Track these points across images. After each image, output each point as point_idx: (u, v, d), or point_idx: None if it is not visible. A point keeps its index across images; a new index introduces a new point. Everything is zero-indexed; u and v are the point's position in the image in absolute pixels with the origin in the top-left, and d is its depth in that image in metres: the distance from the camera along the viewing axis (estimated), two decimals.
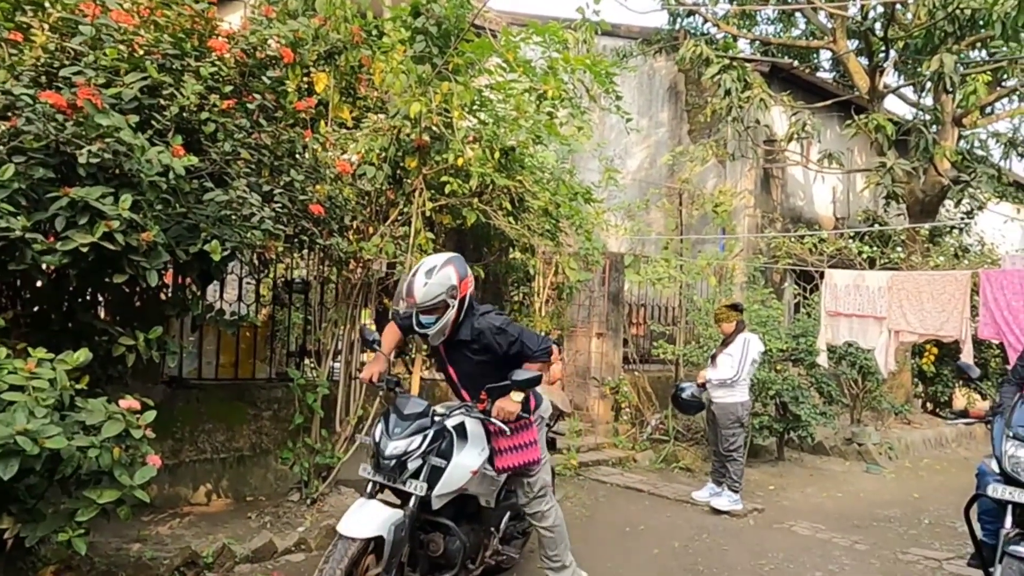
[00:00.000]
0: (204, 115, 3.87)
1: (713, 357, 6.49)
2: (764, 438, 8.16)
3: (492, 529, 4.03)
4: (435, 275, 3.49)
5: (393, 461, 3.30)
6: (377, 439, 3.40)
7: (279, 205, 4.04)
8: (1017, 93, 10.45)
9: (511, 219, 5.42)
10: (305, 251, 5.66)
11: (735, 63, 9.37)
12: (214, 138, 4.00)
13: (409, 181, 5.32)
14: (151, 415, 3.15)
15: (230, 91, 4.02)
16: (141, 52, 3.92)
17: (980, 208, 11.34)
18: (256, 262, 4.96)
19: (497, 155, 5.08)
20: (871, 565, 5.12)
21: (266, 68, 4.58)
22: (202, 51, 4.21)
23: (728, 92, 8.95)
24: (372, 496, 3.40)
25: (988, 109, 11.30)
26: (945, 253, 10.39)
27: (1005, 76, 10.54)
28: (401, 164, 5.21)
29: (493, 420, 3.60)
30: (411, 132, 5.04)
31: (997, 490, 3.49)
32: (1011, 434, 3.53)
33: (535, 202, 5.40)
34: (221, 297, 5.82)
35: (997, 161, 11.26)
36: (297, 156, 4.47)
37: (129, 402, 3.13)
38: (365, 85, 5.58)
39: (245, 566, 4.35)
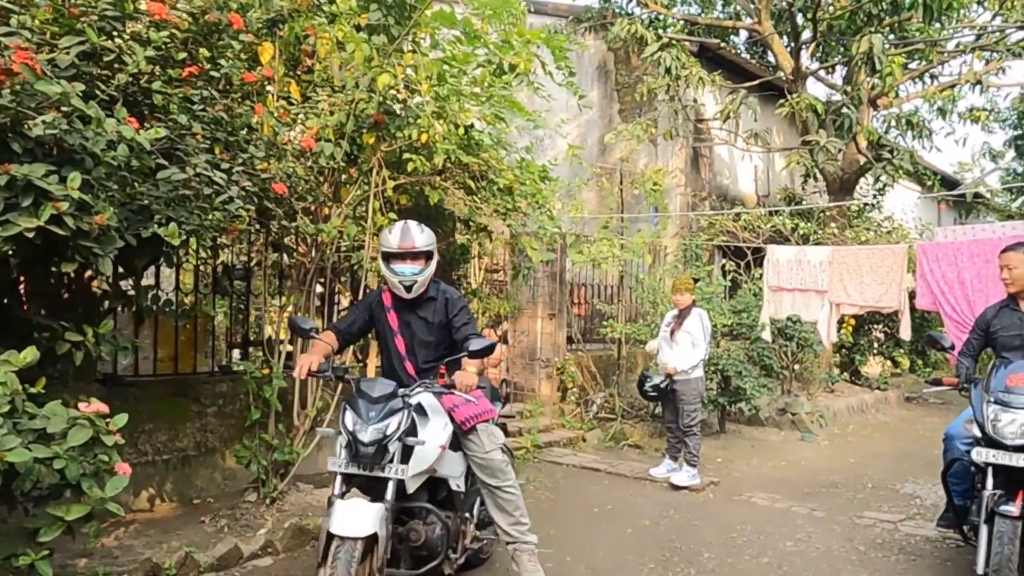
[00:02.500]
0: (157, 84, 3.49)
1: (672, 333, 6.49)
2: (709, 412, 8.31)
3: (467, 515, 3.92)
4: (424, 228, 3.72)
5: (374, 447, 3.18)
6: (351, 428, 3.25)
7: (245, 184, 3.71)
8: (928, 74, 11.00)
9: (474, 198, 5.22)
10: (253, 234, 5.28)
11: (672, 42, 9.42)
12: (165, 110, 3.62)
13: (365, 159, 5.04)
14: (122, 419, 2.83)
15: (182, 59, 3.65)
16: (76, 12, 3.49)
17: (891, 184, 11.90)
18: (210, 247, 4.57)
19: (461, 131, 4.87)
20: (834, 531, 5.27)
21: (211, 35, 4.19)
22: (140, 13, 3.80)
23: (668, 71, 8.98)
24: (343, 495, 3.29)
25: (898, 91, 11.83)
26: (873, 228, 10.87)
27: (915, 59, 11.07)
28: (357, 141, 4.91)
29: (459, 393, 3.54)
30: (367, 107, 4.75)
31: (981, 454, 3.61)
32: (991, 399, 3.66)
33: (499, 180, 5.21)
34: (157, 285, 5.35)
35: (899, 141, 11.86)
36: (252, 130, 4.12)
37: (95, 406, 2.79)
38: (311, 57, 5.24)
39: (211, 575, 4.03)
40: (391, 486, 3.28)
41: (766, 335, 8.14)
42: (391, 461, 3.27)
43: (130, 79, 3.45)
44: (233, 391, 5.45)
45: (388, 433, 3.23)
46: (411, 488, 3.45)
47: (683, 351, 6.35)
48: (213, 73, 3.81)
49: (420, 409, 3.55)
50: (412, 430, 3.41)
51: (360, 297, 5.15)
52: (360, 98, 4.58)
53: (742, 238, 9.90)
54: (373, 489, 3.33)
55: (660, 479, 6.48)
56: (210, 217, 3.54)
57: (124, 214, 3.46)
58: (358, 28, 5.07)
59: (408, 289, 3.66)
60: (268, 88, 4.80)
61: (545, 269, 8.42)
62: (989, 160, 20.04)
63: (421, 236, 3.66)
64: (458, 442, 3.73)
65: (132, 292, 4.17)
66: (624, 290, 9.50)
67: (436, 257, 3.76)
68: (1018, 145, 18.39)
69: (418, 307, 3.79)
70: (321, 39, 4.87)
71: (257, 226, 5.24)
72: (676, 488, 6.27)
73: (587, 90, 12.22)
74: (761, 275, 8.34)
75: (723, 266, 10.11)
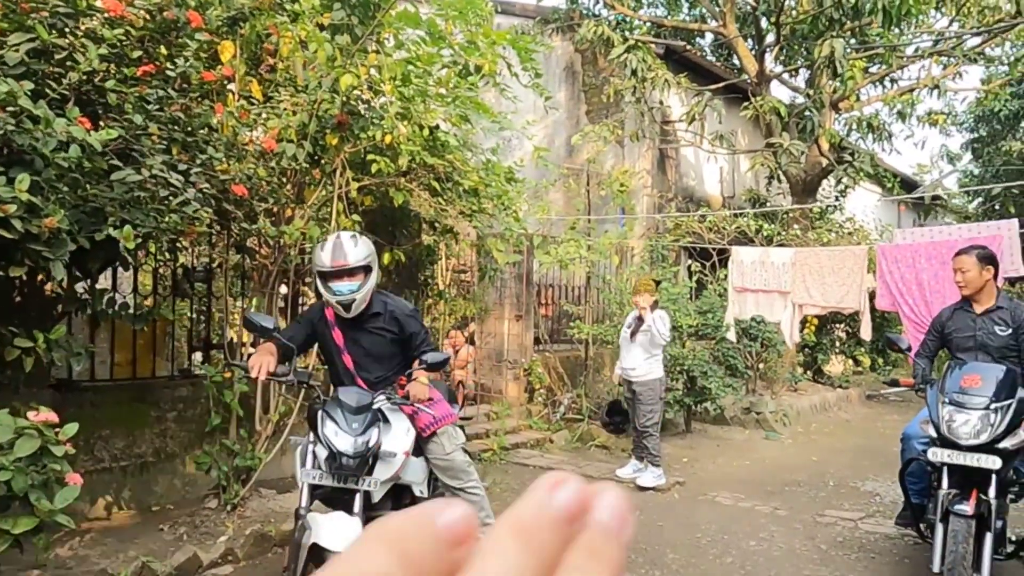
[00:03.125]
0: (111, 83, 3.40)
1: (632, 334, 6.51)
2: (675, 412, 8.37)
3: None
4: (359, 240, 3.53)
5: (358, 460, 3.13)
6: (332, 439, 3.16)
7: (202, 185, 3.63)
8: (888, 78, 11.21)
9: (439, 200, 5.18)
10: (214, 236, 5.19)
11: (639, 43, 9.48)
12: (120, 110, 3.53)
13: (328, 160, 4.98)
14: (72, 428, 2.75)
15: (138, 57, 3.56)
16: (27, 8, 3.39)
17: (852, 186, 12.10)
18: (167, 250, 4.48)
19: (426, 132, 4.83)
20: (796, 530, 5.34)
21: (168, 32, 4.11)
22: (95, 10, 3.71)
23: (634, 72, 9.03)
24: (309, 509, 3.21)
25: (859, 94, 12.05)
26: (835, 230, 11.04)
27: (875, 63, 11.28)
28: (320, 142, 4.85)
29: (418, 407, 3.49)
30: (331, 107, 4.69)
31: (937, 454, 3.68)
32: (946, 400, 3.73)
33: (464, 181, 5.19)
34: (115, 288, 5.23)
35: (860, 144, 12.08)
36: (211, 131, 4.05)
37: (44, 415, 2.70)
38: (273, 56, 5.16)
39: None
40: (359, 498, 3.21)
41: (731, 335, 8.22)
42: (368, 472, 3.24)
43: (83, 78, 3.36)
44: (194, 395, 5.35)
45: (371, 445, 3.18)
46: (377, 498, 3.39)
47: (640, 353, 6.36)
48: (170, 72, 3.73)
49: (382, 416, 3.48)
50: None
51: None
52: (323, 98, 4.52)
53: (707, 239, 9.99)
54: (342, 501, 3.27)
55: (626, 480, 6.50)
56: (166, 219, 3.46)
57: (76, 216, 3.38)
58: (321, 27, 5.01)
59: (346, 308, 3.48)
60: (230, 88, 4.73)
61: (512, 270, 8.41)
62: (947, 163, 20.53)
63: (355, 251, 3.44)
64: (419, 447, 3.68)
65: (87, 296, 4.07)
66: (591, 291, 9.53)
67: (376, 269, 3.60)
68: (974, 148, 18.85)
69: (365, 322, 3.62)
70: (284, 38, 4.81)
71: (218, 228, 5.17)
72: (642, 489, 6.29)
73: (554, 91, 12.25)
74: (726, 276, 8.42)
75: (689, 267, 10.20)
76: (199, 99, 4.22)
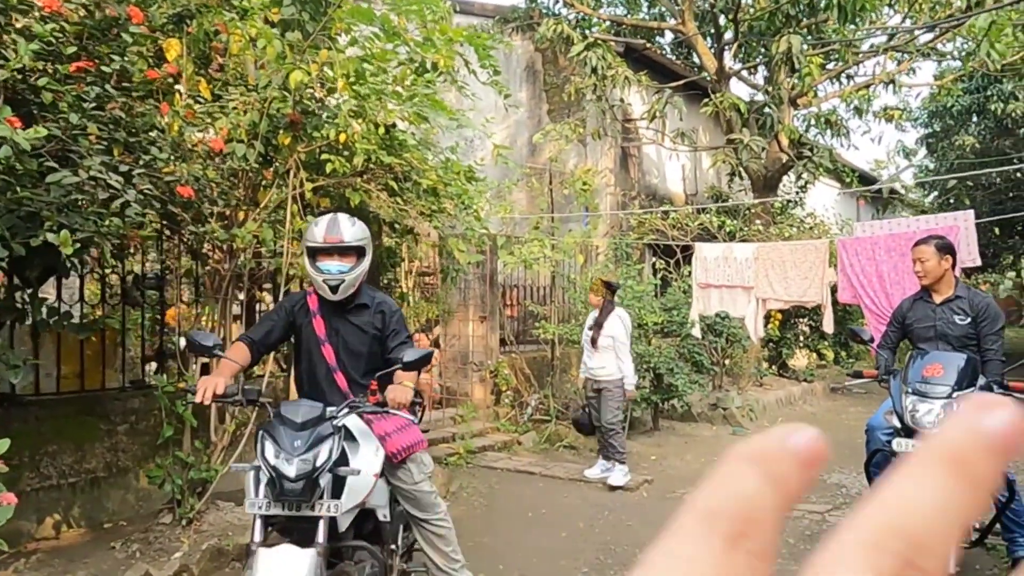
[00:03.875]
0: (44, 81, 3.24)
1: (593, 341, 6.44)
2: (642, 410, 8.35)
3: (393, 546, 3.47)
4: (356, 221, 3.31)
5: (302, 483, 2.71)
6: (272, 462, 2.75)
7: (144, 187, 3.48)
8: (845, 74, 11.36)
9: (397, 199, 5.07)
10: (161, 241, 5.01)
11: (598, 41, 9.45)
12: (55, 109, 3.37)
13: (281, 160, 4.83)
14: (3, 445, 2.58)
15: (73, 53, 3.40)
16: None
17: (812, 182, 12.25)
18: (111, 255, 4.29)
19: (381, 131, 4.71)
20: None
21: (109, 29, 3.94)
22: (28, 5, 3.54)
23: (595, 70, 9.00)
24: (265, 542, 2.81)
25: (817, 90, 12.19)
26: (796, 224, 11.14)
27: (832, 59, 11.41)
28: (273, 141, 4.71)
29: (394, 411, 3.09)
30: (282, 105, 4.56)
31: (901, 444, 3.67)
32: (909, 390, 3.73)
33: (422, 181, 5.08)
34: (59, 297, 5.02)
35: (819, 140, 12.23)
36: (157, 131, 3.89)
37: None
38: (222, 55, 5.00)
39: None
40: (322, 526, 2.81)
41: (696, 332, 8.23)
42: (321, 497, 2.82)
43: (15, 75, 3.19)
44: (147, 407, 5.16)
45: (318, 464, 2.77)
46: (343, 525, 3.02)
47: (606, 356, 6.30)
48: (105, 68, 3.56)
49: (348, 434, 3.12)
50: (343, 459, 2.97)
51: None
52: (273, 96, 4.38)
53: (671, 236, 10.01)
54: (300, 531, 2.89)
55: (595, 480, 6.45)
56: (107, 223, 3.30)
57: (11, 221, 3.22)
58: (272, 24, 4.87)
59: (334, 290, 3.21)
60: (178, 87, 4.57)
61: (476, 271, 8.32)
62: (903, 157, 20.95)
63: (351, 229, 3.23)
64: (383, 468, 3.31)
65: (26, 305, 3.88)
66: (556, 290, 9.48)
67: (369, 255, 3.33)
68: (929, 143, 19.23)
69: (349, 313, 3.36)
70: (233, 35, 4.66)
71: (168, 232, 5.00)
72: (612, 488, 6.24)
73: (516, 90, 12.20)
74: (690, 272, 8.43)
75: (653, 264, 10.20)
76: (143, 98, 4.06)
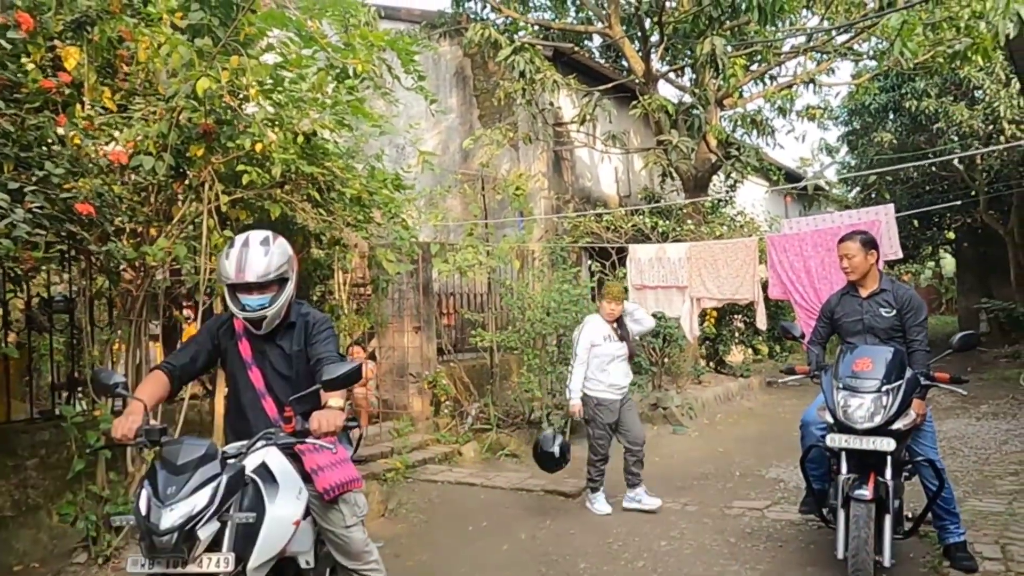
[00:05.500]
0: None
1: (631, 355, 5.85)
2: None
3: None
4: (273, 244, 2.97)
5: (175, 535, 2.32)
6: (144, 511, 2.38)
7: (35, 205, 3.23)
8: (768, 75, 11.61)
9: (321, 211, 4.89)
10: (68, 262, 4.71)
11: (525, 45, 9.42)
12: None
13: (195, 172, 4.60)
14: None
15: None
16: None
17: (741, 181, 12.49)
18: (5, 278, 4.00)
19: (300, 139, 4.53)
20: (705, 524, 5.32)
21: None
22: None
23: (522, 74, 8.95)
24: None
25: (742, 91, 12.43)
26: (727, 223, 11.32)
27: (755, 61, 11.66)
28: (185, 153, 4.47)
29: (316, 442, 2.76)
30: (193, 115, 4.33)
31: (834, 440, 3.69)
32: (840, 385, 3.75)
33: (347, 190, 4.91)
34: None
35: (745, 139, 12.50)
36: (51, 146, 3.63)
37: None
38: (128, 62, 4.74)
39: None
40: None
41: None
42: (211, 548, 2.43)
43: None
44: (58, 439, 4.84)
45: (195, 513, 2.36)
46: None
47: (628, 367, 5.91)
48: None
49: (266, 472, 2.75)
50: (253, 504, 2.59)
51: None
52: (182, 106, 4.16)
53: (606, 238, 10.03)
54: None
55: (634, 508, 5.74)
56: None
57: None
58: (181, 31, 4.64)
59: (256, 325, 2.98)
60: (83, 97, 4.30)
61: (410, 280, 8.15)
62: (826, 155, 21.61)
63: (264, 261, 2.91)
64: (307, 508, 2.94)
65: None
66: (493, 297, 9.38)
67: (293, 278, 3.04)
68: (850, 140, 19.89)
69: (276, 334, 3.10)
70: (140, 43, 4.41)
71: (73, 252, 4.70)
72: (654, 512, 5.66)
73: (446, 96, 12.09)
74: (625, 274, 8.44)
75: (590, 267, 10.21)
76: (37, 110, 3.79)
